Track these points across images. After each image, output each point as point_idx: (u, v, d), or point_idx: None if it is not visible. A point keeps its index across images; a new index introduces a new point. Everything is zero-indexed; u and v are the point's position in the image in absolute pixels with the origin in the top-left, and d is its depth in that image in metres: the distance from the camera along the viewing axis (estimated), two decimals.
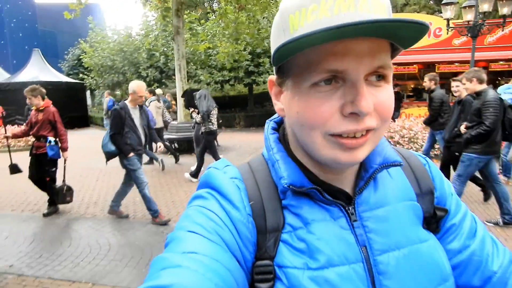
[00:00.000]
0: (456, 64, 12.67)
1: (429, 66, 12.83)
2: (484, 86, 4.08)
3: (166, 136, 9.29)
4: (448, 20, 8.25)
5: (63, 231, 4.48)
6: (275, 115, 0.66)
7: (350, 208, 0.58)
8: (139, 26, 17.88)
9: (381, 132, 0.53)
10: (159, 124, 8.34)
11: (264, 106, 19.30)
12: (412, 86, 14.56)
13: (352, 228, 0.56)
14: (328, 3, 0.46)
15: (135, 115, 4.50)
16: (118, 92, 19.04)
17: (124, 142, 4.37)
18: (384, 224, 0.57)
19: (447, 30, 8.83)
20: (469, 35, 8.03)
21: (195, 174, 6.53)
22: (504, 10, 7.65)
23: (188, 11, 14.53)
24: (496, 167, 4.39)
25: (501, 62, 12.44)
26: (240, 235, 0.54)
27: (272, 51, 0.53)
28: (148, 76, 16.42)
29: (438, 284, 0.57)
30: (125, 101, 4.50)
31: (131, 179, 4.56)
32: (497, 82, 12.27)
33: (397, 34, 0.46)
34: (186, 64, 9.86)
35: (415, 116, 11.08)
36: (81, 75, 20.46)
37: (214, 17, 12.38)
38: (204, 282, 0.44)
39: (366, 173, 0.59)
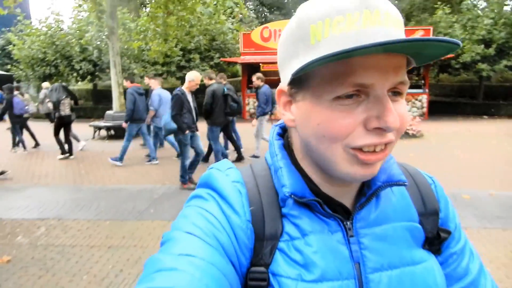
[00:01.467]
0: None
1: None
2: (212, 81, 6.64)
3: (103, 123, 10.49)
4: None
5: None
6: (281, 120, 0.63)
7: (348, 223, 0.57)
8: (71, 19, 18.19)
9: (393, 146, 0.53)
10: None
11: (197, 98, 20.71)
12: None
13: (348, 243, 0.56)
14: (354, 16, 0.45)
15: (190, 99, 5.56)
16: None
17: (182, 121, 5.37)
18: (380, 242, 0.56)
19: None
20: None
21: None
22: None
23: (121, 7, 15.41)
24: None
25: None
26: (238, 240, 0.54)
27: (281, 59, 0.56)
28: (81, 69, 16.95)
29: None
30: (183, 88, 5.50)
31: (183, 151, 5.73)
32: None
33: (422, 52, 0.46)
34: (120, 59, 11.02)
35: None
36: (8, 66, 20.07)
37: (146, 15, 13.43)
38: (200, 287, 0.44)
39: (369, 189, 0.58)
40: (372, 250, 0.56)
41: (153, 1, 9.97)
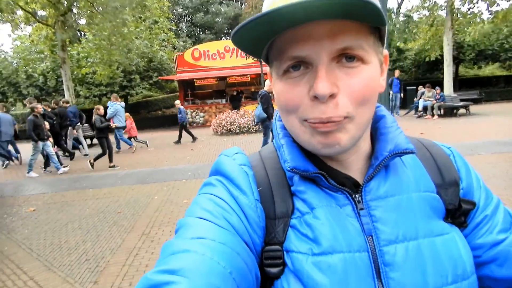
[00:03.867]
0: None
1: (259, 76, 18.31)
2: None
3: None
4: None
5: None
6: None
7: (357, 196, 0.56)
8: (11, 49, 19.56)
9: (361, 118, 0.51)
10: None
11: (140, 113, 22.77)
12: (252, 90, 20.11)
13: (358, 216, 0.55)
14: None
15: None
16: None
17: (269, 113, 7.44)
18: (393, 214, 0.55)
19: None
20: (257, 59, 13.51)
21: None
22: None
23: (70, 42, 17.31)
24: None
25: None
26: (248, 219, 0.55)
27: None
28: (28, 94, 18.44)
29: (454, 281, 0.53)
30: (265, 89, 7.55)
31: (267, 131, 7.91)
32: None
33: (356, 13, 0.45)
34: (72, 83, 13.16)
35: (251, 110, 16.06)
36: None
37: (89, 42, 15.47)
38: (212, 264, 0.45)
39: (376, 160, 0.57)
40: (385, 222, 0.54)
41: (95, 35, 12.28)
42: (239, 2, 40.39)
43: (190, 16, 37.88)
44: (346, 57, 0.49)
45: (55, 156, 8.91)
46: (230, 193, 0.57)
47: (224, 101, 18.90)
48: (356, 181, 0.58)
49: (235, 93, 18.57)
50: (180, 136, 12.08)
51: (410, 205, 0.56)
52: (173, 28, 13.15)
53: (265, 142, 7.99)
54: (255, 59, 13.64)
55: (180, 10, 37.37)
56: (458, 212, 0.59)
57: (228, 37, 39.09)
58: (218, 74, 18.60)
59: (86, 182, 7.64)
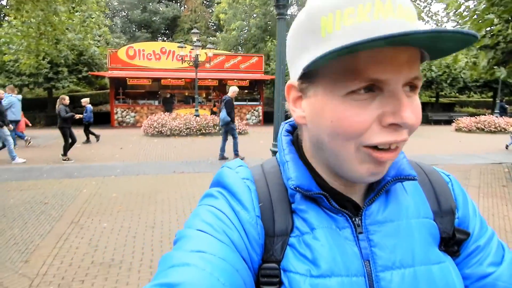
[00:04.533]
0: (206, 80, 19.24)
1: (194, 80, 18.66)
2: None
3: None
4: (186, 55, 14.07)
5: None
6: (291, 118, 0.62)
7: (356, 219, 0.56)
8: None
9: (405, 144, 0.51)
10: None
11: None
12: (186, 93, 20.39)
13: (357, 240, 0.54)
14: (366, 7, 0.44)
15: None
16: None
17: (232, 117, 8.35)
18: (392, 239, 0.54)
19: (189, 61, 14.68)
20: (193, 64, 14.04)
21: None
22: (209, 54, 13.99)
23: None
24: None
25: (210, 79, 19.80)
26: (248, 236, 0.54)
27: (291, 52, 0.54)
28: None
29: None
30: (229, 95, 8.50)
31: (226, 135, 8.75)
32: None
33: (436, 46, 0.44)
34: None
35: (184, 113, 16.34)
36: None
37: (11, 26, 14.48)
38: (212, 281, 0.44)
39: (378, 184, 0.57)
40: (382, 248, 0.54)
41: (25, 22, 11.78)
42: (178, 4, 40.25)
43: (126, 12, 36.78)
44: (410, 86, 0.48)
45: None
46: (232, 208, 0.56)
47: (156, 102, 18.94)
48: (356, 204, 0.57)
49: (168, 96, 18.74)
50: (88, 135, 12.01)
51: (409, 231, 0.56)
52: (108, 24, 13.01)
53: (223, 144, 8.88)
54: (190, 63, 14.18)
55: (116, 3, 36.13)
56: (452, 241, 0.59)
57: (165, 38, 38.72)
58: (153, 75, 18.66)
59: (8, 174, 7.46)
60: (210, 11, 37.20)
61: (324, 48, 0.45)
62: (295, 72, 0.54)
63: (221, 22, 28.29)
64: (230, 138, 8.90)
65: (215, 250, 0.49)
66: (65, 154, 8.92)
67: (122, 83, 19.02)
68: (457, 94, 25.46)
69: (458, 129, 16.83)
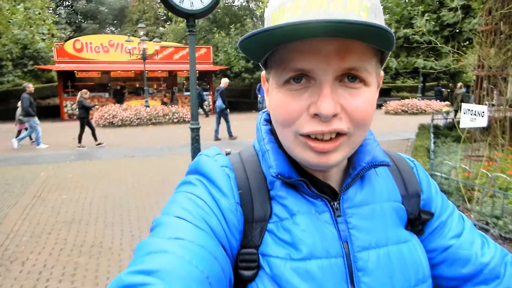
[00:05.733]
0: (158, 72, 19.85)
1: (142, 72, 19.18)
2: None
3: None
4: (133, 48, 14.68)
5: None
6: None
7: (335, 203, 0.58)
8: None
9: (356, 138, 0.53)
10: None
11: (10, 103, 21.26)
12: (137, 85, 20.81)
13: (335, 223, 0.57)
14: (302, 1, 0.46)
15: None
16: None
17: (226, 104, 9.80)
18: (367, 222, 0.58)
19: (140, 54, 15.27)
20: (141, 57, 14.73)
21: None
22: (156, 47, 14.74)
23: None
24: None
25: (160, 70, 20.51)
26: (228, 223, 0.54)
27: None
28: None
29: (416, 285, 0.57)
30: (222, 86, 10.01)
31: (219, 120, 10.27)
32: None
33: (365, 36, 0.45)
34: None
35: (134, 105, 16.90)
36: None
37: None
38: (191, 268, 0.44)
39: (354, 170, 0.59)
40: (360, 229, 0.57)
41: None
42: None
43: (70, 2, 35.73)
44: (349, 77, 0.49)
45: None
46: (211, 195, 0.56)
47: (107, 94, 19.28)
48: (334, 189, 0.59)
49: (119, 88, 19.15)
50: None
51: (382, 214, 0.59)
52: (54, 19, 13.33)
53: (217, 128, 10.65)
54: (139, 56, 14.84)
55: None
56: (418, 221, 0.63)
57: (114, 29, 38.14)
58: (102, 68, 18.96)
59: None
60: (159, 1, 37.05)
61: None
62: None
63: (170, 13, 28.59)
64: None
65: (193, 237, 0.48)
66: (79, 141, 9.95)
67: (70, 76, 19.12)
68: (390, 80, 27.92)
69: (387, 112, 18.89)
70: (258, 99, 17.93)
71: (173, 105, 16.90)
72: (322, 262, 0.54)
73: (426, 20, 6.81)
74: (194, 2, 3.93)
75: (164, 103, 18.46)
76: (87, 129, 9.93)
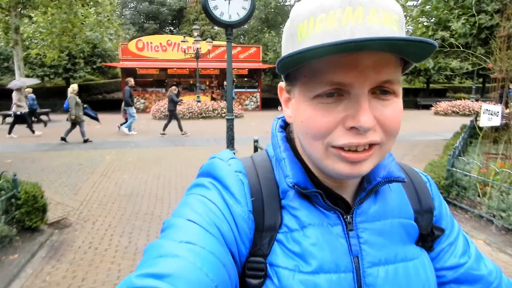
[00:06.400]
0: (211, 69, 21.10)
1: (195, 70, 20.49)
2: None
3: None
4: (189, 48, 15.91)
5: None
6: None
7: (348, 217, 0.58)
8: None
9: (387, 147, 0.53)
10: None
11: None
12: (191, 82, 22.26)
13: (347, 237, 0.56)
14: (336, 13, 0.46)
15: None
16: None
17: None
18: (379, 237, 0.58)
19: (193, 54, 16.53)
20: (194, 56, 15.92)
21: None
22: (209, 47, 15.80)
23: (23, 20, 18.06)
24: None
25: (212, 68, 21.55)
26: (239, 230, 0.54)
27: (282, 54, 0.54)
28: None
29: None
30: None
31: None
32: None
33: (406, 50, 0.45)
34: (23, 64, 14.43)
35: (187, 100, 18.23)
36: None
37: (38, 26, 16.48)
38: (201, 275, 0.44)
39: (368, 184, 0.59)
40: (371, 245, 0.57)
41: (51, 23, 13.74)
42: None
43: (135, 4, 38.46)
44: (382, 90, 0.49)
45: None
46: (224, 200, 0.56)
47: (164, 90, 20.90)
48: (347, 202, 0.59)
49: (175, 84, 20.67)
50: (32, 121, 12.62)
51: (392, 230, 0.59)
52: (120, 22, 14.94)
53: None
54: (193, 55, 16.04)
55: None
56: (430, 237, 0.63)
57: (173, 28, 40.44)
58: (160, 65, 20.61)
59: (48, 147, 9.55)
60: None
61: None
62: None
63: None
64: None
65: (204, 242, 0.48)
66: (164, 129, 11.60)
67: (133, 72, 21.00)
68: (445, 80, 26.85)
69: (436, 113, 18.47)
70: None
71: (222, 101, 17.95)
72: (331, 277, 0.54)
73: (463, 23, 6.97)
74: (232, 15, 4.68)
75: (213, 99, 19.62)
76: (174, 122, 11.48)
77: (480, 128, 7.73)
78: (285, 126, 0.67)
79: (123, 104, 11.83)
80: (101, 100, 23.08)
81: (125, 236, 4.17)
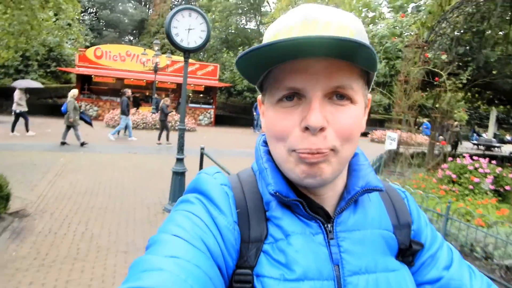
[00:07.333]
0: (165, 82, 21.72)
1: (153, 82, 20.99)
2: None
3: None
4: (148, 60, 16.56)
5: None
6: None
7: (328, 226, 0.59)
8: None
9: (343, 154, 0.55)
10: None
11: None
12: (147, 93, 22.64)
13: (328, 245, 0.58)
14: (295, 28, 0.52)
15: None
16: None
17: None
18: (359, 247, 0.59)
19: (152, 65, 17.15)
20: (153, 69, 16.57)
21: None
22: (168, 62, 16.59)
23: None
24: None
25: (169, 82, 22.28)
26: (225, 241, 0.55)
27: None
28: None
29: None
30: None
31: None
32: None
33: (350, 55, 0.49)
34: None
35: (142, 111, 18.62)
36: None
37: None
38: (186, 287, 0.44)
39: (348, 194, 0.61)
40: (351, 253, 0.58)
41: (11, 24, 13.79)
42: (147, 7, 42.15)
43: (95, 9, 38.12)
44: (337, 95, 0.53)
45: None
46: (209, 213, 0.57)
47: (118, 99, 21.06)
48: (327, 212, 0.60)
49: (138, 95, 20.98)
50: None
51: (373, 240, 0.60)
52: (82, 30, 15.25)
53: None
54: (152, 68, 16.68)
55: (86, 2, 37.46)
56: (408, 252, 0.64)
57: (132, 38, 40.45)
58: (118, 75, 20.87)
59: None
60: None
61: None
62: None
63: None
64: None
65: (190, 256, 0.49)
66: (159, 139, 12.48)
67: (88, 79, 21.06)
68: (384, 111, 29.60)
69: (372, 140, 20.60)
70: (254, 116, 19.75)
71: (177, 114, 18.63)
72: (315, 284, 0.54)
73: (383, 65, 8.55)
74: (190, 42, 5.59)
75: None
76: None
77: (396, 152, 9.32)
78: None
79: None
80: (52, 104, 22.63)
81: (82, 224, 4.83)
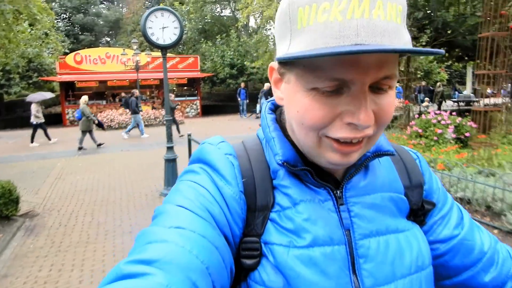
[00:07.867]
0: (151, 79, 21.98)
1: (136, 81, 21.23)
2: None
3: None
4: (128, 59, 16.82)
5: None
6: (274, 97, 0.63)
7: (338, 192, 0.59)
8: None
9: (376, 138, 0.54)
10: None
11: (16, 112, 23.29)
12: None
13: (338, 211, 0.58)
14: (341, 4, 0.44)
15: None
16: None
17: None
18: (369, 210, 0.59)
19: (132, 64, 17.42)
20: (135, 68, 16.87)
21: None
22: (148, 59, 16.88)
23: None
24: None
25: (152, 79, 22.26)
26: (231, 211, 0.55)
27: (277, 33, 0.54)
28: None
29: (416, 271, 0.59)
30: (265, 89, 11.48)
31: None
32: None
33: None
34: None
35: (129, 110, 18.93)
36: None
37: None
38: (191, 258, 0.44)
39: (358, 160, 0.58)
40: (362, 218, 0.58)
41: None
42: (120, 6, 41.75)
43: (68, 14, 37.73)
44: (379, 83, 0.49)
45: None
46: (214, 183, 0.57)
47: (104, 102, 21.35)
48: (336, 179, 0.61)
49: (129, 95, 21.11)
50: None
51: (383, 204, 0.61)
52: (60, 38, 15.44)
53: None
54: (133, 66, 16.96)
55: (57, 8, 37.04)
56: (420, 211, 0.65)
57: (110, 39, 40.16)
58: (100, 78, 21.07)
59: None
60: None
61: (299, 42, 0.48)
62: (277, 55, 0.55)
63: None
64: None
65: (195, 226, 0.49)
66: (179, 132, 12.86)
67: (71, 86, 21.22)
68: None
69: None
70: (239, 102, 20.19)
71: (163, 109, 19.01)
72: (325, 249, 0.55)
73: None
74: (165, 40, 6.02)
75: (154, 108, 20.56)
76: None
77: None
78: (275, 109, 0.68)
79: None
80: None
81: (88, 216, 5.37)
